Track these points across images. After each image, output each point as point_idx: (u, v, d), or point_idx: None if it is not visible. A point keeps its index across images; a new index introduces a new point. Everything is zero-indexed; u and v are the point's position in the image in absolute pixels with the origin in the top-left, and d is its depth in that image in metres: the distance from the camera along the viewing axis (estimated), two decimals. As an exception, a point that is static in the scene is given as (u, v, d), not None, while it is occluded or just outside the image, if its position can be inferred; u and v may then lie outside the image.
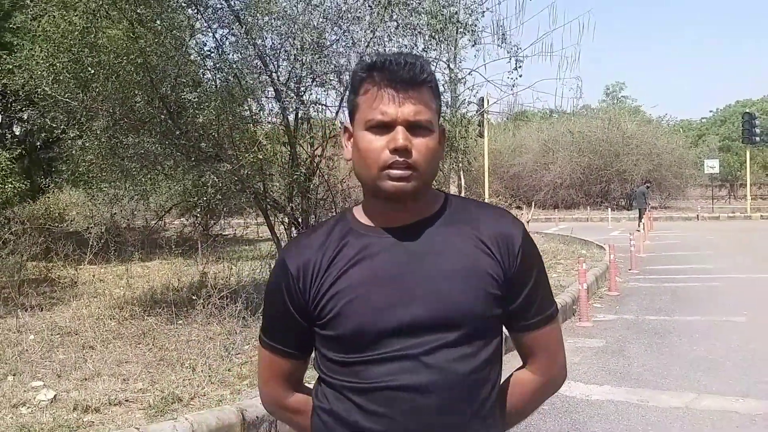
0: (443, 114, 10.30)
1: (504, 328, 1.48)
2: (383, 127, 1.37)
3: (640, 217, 23.53)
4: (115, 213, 12.45)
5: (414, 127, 1.37)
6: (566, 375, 1.57)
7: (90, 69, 7.30)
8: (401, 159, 1.35)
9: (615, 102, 60.61)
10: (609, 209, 31.28)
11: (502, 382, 1.49)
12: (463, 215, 1.46)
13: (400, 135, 1.35)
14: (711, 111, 75.21)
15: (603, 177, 37.10)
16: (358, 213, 1.49)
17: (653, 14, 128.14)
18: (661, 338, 7.50)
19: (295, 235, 8.77)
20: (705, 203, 36.28)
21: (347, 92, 1.47)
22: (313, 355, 1.52)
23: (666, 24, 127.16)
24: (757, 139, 32.19)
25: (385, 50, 8.80)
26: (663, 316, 8.71)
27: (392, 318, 1.36)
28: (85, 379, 5.33)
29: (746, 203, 32.62)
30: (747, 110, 41.28)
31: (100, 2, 7.03)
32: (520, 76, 8.12)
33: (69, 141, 9.09)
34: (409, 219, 1.43)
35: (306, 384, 1.60)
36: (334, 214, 8.98)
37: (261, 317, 1.59)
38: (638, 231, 19.30)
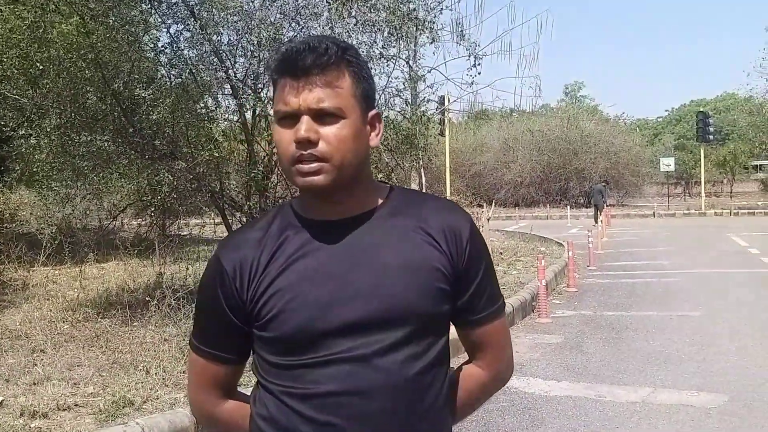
0: (403, 111, 10.33)
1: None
2: (290, 118, 1.28)
3: (597, 215, 23.84)
4: (69, 213, 12.13)
5: (321, 116, 1.27)
6: (513, 369, 1.53)
7: (39, 65, 7.11)
8: (306, 152, 1.27)
9: (574, 101, 61.46)
10: (568, 207, 31.66)
11: (449, 376, 1.43)
12: (408, 208, 1.38)
13: (302, 126, 1.26)
14: (666, 110, 76.94)
15: (562, 175, 37.57)
16: (297, 205, 1.40)
17: (611, 14, 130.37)
18: (618, 333, 7.58)
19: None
20: (661, 201, 37.00)
21: None
22: (250, 359, 1.42)
23: (624, 24, 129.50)
24: (711, 137, 32.86)
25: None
26: (620, 312, 8.81)
27: (335, 317, 1.28)
28: (34, 384, 5.15)
29: (701, 200, 33.32)
30: (701, 109, 42.20)
31: (49, -5, 6.84)
32: (479, 73, 8.13)
33: (19, 139, 8.84)
34: (348, 212, 1.35)
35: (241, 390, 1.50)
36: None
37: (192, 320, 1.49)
38: (594, 227, 19.54)
